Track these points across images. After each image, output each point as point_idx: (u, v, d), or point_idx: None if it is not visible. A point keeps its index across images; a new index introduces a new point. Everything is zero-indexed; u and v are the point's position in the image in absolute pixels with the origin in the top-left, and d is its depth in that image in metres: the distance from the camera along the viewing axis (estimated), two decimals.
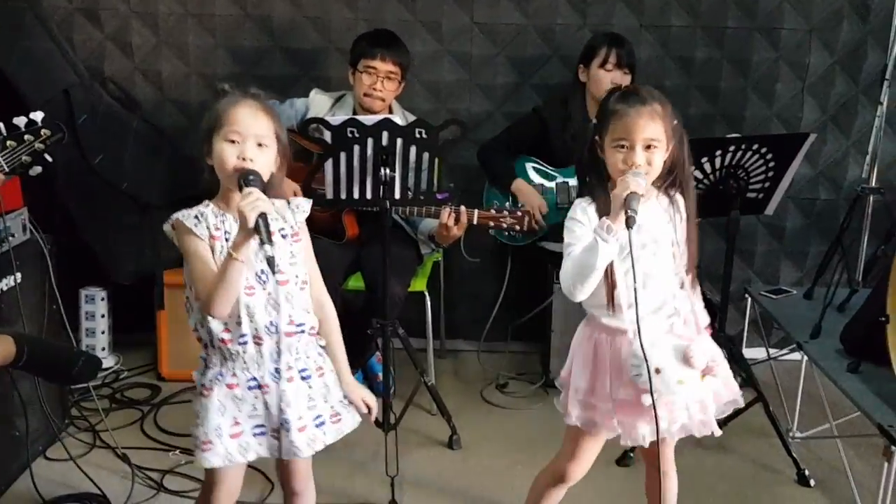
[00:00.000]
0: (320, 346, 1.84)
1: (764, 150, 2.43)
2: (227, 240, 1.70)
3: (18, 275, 2.36)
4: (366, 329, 2.61)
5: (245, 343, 1.71)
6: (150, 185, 3.15)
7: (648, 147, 1.74)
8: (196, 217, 1.70)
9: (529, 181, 3.08)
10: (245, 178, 1.65)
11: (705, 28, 3.25)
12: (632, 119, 1.74)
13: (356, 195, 2.43)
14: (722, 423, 2.62)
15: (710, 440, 2.71)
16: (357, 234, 3.00)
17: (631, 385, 1.78)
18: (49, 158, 2.09)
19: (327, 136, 2.37)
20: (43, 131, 2.06)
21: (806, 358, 2.65)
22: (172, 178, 3.13)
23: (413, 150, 2.37)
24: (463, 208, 2.64)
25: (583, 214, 1.81)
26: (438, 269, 3.32)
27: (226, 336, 1.71)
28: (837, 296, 2.73)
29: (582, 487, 2.03)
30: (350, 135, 2.34)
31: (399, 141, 2.35)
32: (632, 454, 2.61)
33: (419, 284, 3.04)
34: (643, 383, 1.72)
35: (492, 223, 2.64)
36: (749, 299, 3.07)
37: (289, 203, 1.81)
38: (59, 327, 2.56)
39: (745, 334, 3.27)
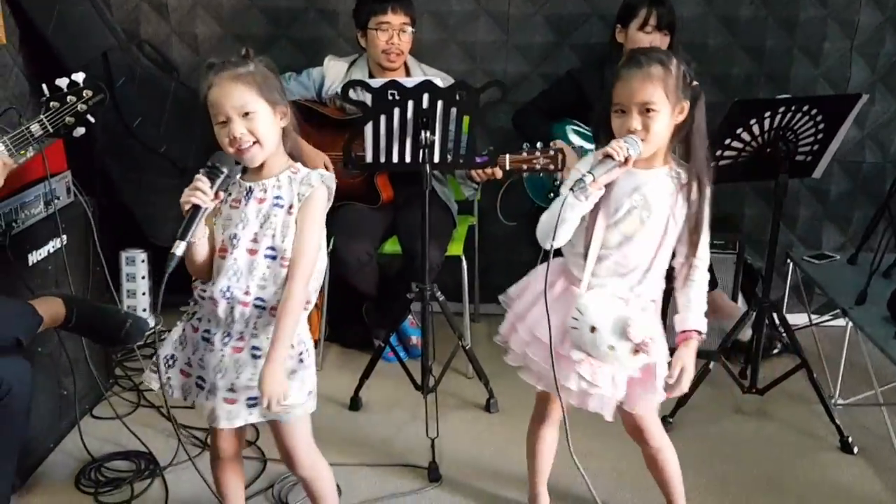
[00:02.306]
0: None
1: (814, 111, 2.36)
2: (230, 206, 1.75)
3: (64, 237, 2.38)
4: (402, 294, 2.62)
5: (204, 298, 1.75)
6: (188, 147, 3.16)
7: (647, 112, 1.71)
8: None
9: (569, 144, 3.04)
10: (211, 165, 1.67)
11: None
12: (625, 83, 1.72)
13: (396, 158, 2.42)
14: (764, 389, 2.66)
15: (752, 406, 2.73)
16: (392, 196, 2.99)
17: (559, 332, 1.79)
18: (91, 119, 2.10)
19: (368, 98, 2.35)
20: (85, 92, 2.07)
21: (849, 324, 2.61)
22: (210, 140, 3.13)
23: (453, 112, 2.34)
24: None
25: (585, 164, 1.80)
26: (474, 233, 3.31)
27: (195, 283, 1.77)
28: (884, 262, 2.68)
29: (599, 457, 2.02)
30: (391, 97, 2.31)
31: (439, 103, 2.32)
32: (672, 420, 2.61)
33: (456, 249, 3.03)
34: (576, 338, 1.74)
35: (525, 166, 2.60)
36: (791, 264, 3.02)
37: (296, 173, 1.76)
38: (104, 289, 2.60)
39: (787, 300, 3.22)
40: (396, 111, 2.33)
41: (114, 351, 2.83)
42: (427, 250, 2.50)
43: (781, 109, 2.32)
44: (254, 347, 1.74)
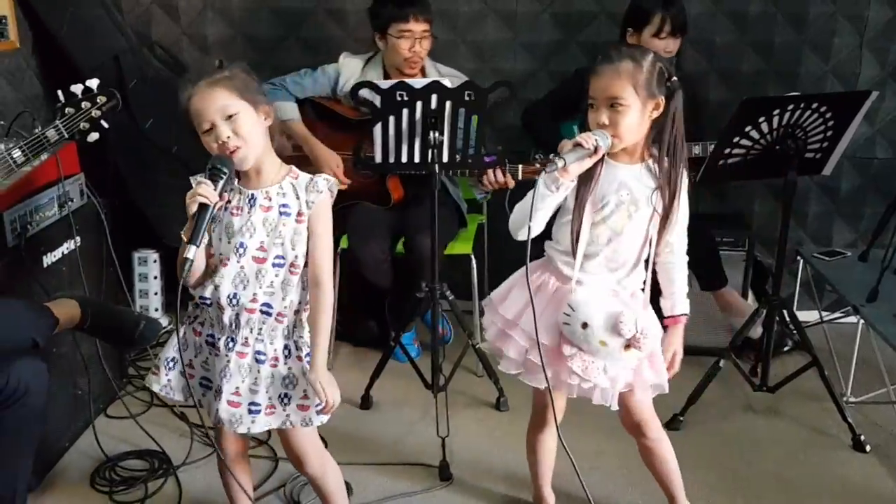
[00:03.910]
0: (294, 339, 1.79)
1: (823, 108, 2.35)
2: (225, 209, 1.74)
3: (78, 238, 2.41)
4: (413, 292, 2.63)
5: (208, 305, 1.76)
6: (199, 148, 3.17)
7: (612, 106, 1.73)
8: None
9: None
10: (211, 166, 1.66)
11: None
12: (597, 77, 1.76)
13: (405, 159, 2.43)
14: (774, 387, 2.65)
15: (763, 404, 2.73)
16: (402, 196, 3.00)
17: (555, 331, 1.81)
18: (105, 125, 2.12)
19: (377, 100, 2.36)
20: (99, 98, 2.09)
21: (861, 321, 2.60)
22: None
23: (462, 112, 2.35)
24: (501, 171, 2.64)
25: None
26: (483, 231, 3.31)
27: (193, 292, 1.77)
28: (895, 258, 2.66)
29: (602, 452, 2.02)
30: (399, 98, 2.32)
31: (448, 104, 2.33)
32: (682, 418, 2.61)
33: (465, 248, 3.03)
34: (568, 333, 1.77)
35: (537, 176, 2.61)
36: (801, 261, 3.01)
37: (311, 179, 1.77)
38: (117, 289, 2.62)
39: (797, 297, 3.21)
40: (405, 112, 2.34)
41: (127, 351, 2.85)
42: (435, 249, 2.51)
43: (790, 107, 2.31)
44: (258, 352, 1.76)
